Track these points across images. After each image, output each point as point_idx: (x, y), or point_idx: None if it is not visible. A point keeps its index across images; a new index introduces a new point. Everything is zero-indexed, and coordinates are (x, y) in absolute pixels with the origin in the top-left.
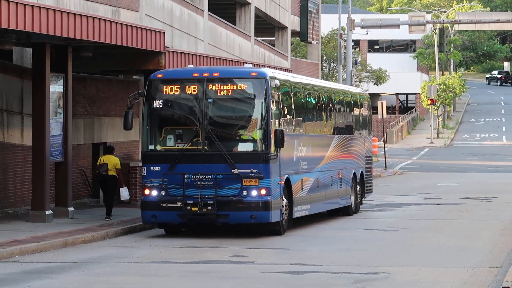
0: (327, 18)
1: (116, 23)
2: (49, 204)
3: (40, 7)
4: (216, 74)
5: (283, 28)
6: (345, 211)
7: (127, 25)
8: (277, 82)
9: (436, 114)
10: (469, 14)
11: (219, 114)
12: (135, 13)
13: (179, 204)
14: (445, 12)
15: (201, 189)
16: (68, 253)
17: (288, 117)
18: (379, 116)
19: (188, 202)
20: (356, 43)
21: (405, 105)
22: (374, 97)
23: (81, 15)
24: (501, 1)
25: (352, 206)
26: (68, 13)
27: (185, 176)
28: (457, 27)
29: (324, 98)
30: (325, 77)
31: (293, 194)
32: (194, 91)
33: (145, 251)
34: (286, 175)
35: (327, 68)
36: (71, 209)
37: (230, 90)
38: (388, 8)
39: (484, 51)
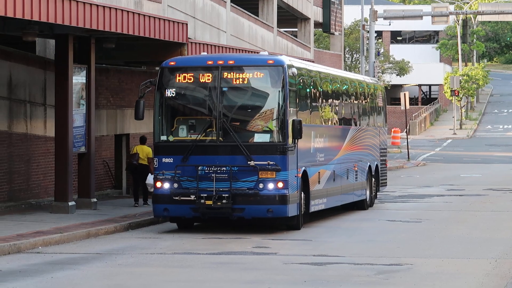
0: (350, 9)
1: (139, 14)
2: (72, 195)
3: None
4: (231, 62)
5: (306, 19)
6: (360, 205)
7: (149, 16)
8: (294, 70)
9: (459, 105)
10: (492, 5)
11: (234, 104)
12: (157, 4)
13: (192, 197)
14: (468, 3)
15: (216, 182)
16: (91, 244)
17: (305, 107)
18: (402, 108)
19: (201, 195)
20: (379, 34)
21: (427, 96)
22: (397, 88)
23: (104, 7)
24: None
25: (367, 200)
26: (91, 4)
27: (199, 168)
28: (480, 18)
29: (340, 87)
30: (348, 68)
31: (310, 187)
32: (208, 79)
33: (168, 242)
34: (303, 168)
35: (350, 59)
36: (94, 200)
37: (246, 79)
38: None
39: (507, 42)
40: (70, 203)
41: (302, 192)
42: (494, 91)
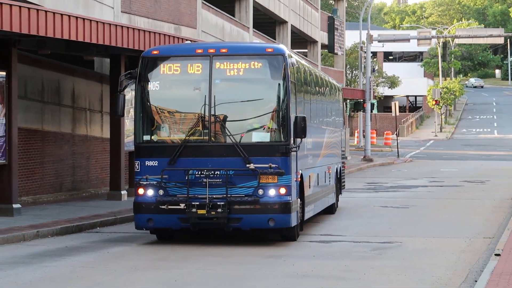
0: (350, 33)
1: (178, 38)
2: (124, 185)
3: (116, 25)
4: (224, 50)
5: (314, 42)
6: (328, 210)
7: (186, 39)
8: (293, 60)
9: (439, 112)
10: (467, 30)
11: (229, 98)
12: (193, 29)
13: (182, 205)
14: (447, 28)
15: (209, 188)
16: None
17: (300, 103)
18: (393, 114)
19: (193, 203)
20: (374, 54)
21: (414, 105)
22: (389, 98)
23: (149, 32)
24: (493, 19)
25: (335, 203)
26: (139, 30)
27: (189, 172)
28: (457, 40)
29: (320, 84)
30: (349, 82)
31: (305, 193)
32: (197, 70)
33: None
34: (301, 171)
35: (350, 74)
36: None
37: (242, 70)
38: (400, 25)
39: (479, 61)
40: (122, 192)
41: (299, 199)
42: (469, 101)
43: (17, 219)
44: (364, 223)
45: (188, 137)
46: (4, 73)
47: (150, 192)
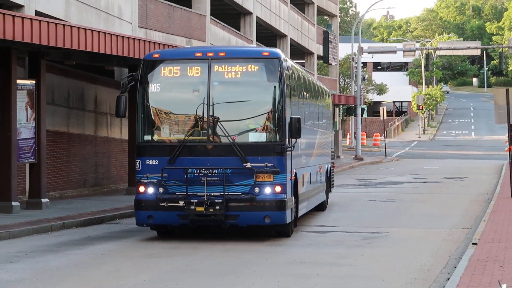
0: (343, 45)
1: None
2: None
3: (134, 39)
4: (222, 54)
5: (311, 53)
6: (319, 207)
7: None
8: (289, 64)
9: (422, 116)
10: (447, 43)
11: (227, 100)
12: (203, 42)
13: (181, 203)
14: (429, 41)
15: (207, 186)
16: None
17: (295, 105)
18: (381, 118)
19: (191, 200)
20: (364, 64)
21: (400, 110)
22: (377, 104)
23: (163, 44)
24: (471, 33)
25: (326, 201)
26: (154, 43)
27: (188, 171)
28: (438, 52)
29: (312, 89)
30: (341, 89)
31: (299, 191)
32: (196, 73)
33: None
34: (295, 170)
35: (343, 83)
36: None
37: (239, 72)
38: (387, 39)
39: (458, 70)
40: None
41: (293, 196)
42: (449, 106)
43: (45, 212)
44: (355, 215)
45: (187, 137)
46: (34, 82)
47: (151, 190)
